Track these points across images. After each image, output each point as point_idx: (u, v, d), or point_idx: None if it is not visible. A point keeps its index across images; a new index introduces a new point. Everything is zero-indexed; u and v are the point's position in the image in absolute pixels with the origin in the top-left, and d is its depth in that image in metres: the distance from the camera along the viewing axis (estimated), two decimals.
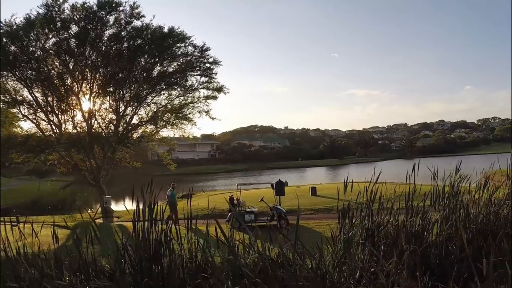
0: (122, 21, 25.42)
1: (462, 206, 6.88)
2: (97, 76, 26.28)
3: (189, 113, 29.31)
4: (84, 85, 26.26)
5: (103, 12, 24.73)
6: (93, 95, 26.49)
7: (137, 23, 25.93)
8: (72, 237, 18.55)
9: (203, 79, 28.74)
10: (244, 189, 31.23)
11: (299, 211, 22.66)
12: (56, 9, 23.75)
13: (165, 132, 30.71)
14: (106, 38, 25.70)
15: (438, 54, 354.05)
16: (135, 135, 29.90)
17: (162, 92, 28.81)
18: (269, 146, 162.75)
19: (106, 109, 28.04)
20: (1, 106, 24.79)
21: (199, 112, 29.34)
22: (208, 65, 28.40)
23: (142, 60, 27.47)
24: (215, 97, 29.52)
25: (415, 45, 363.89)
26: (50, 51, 24.98)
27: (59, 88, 25.12)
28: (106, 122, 28.12)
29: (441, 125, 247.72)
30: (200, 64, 28.19)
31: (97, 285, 4.75)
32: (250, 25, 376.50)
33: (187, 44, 27.47)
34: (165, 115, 29.23)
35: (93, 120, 27.32)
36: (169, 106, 29.27)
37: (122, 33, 25.74)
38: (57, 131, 26.17)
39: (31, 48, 24.48)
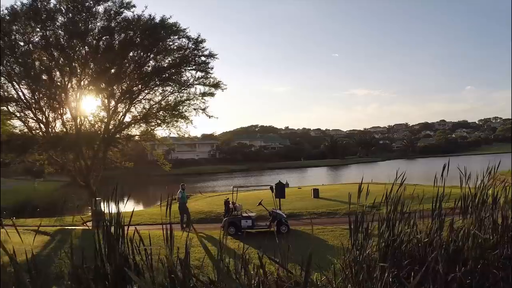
0: (112, 12, 23.98)
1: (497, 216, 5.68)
2: (86, 71, 24.90)
3: (185, 111, 27.91)
4: (73, 80, 24.89)
5: (92, 2, 23.38)
6: (82, 91, 25.12)
7: (128, 13, 24.52)
8: (49, 245, 17.62)
9: (199, 74, 27.34)
10: (241, 191, 30.13)
11: (301, 216, 21.49)
12: None
13: (160, 131, 29.21)
14: (95, 30, 24.27)
15: (439, 54, 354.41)
16: (126, 134, 28.49)
17: (156, 88, 27.34)
18: (270, 146, 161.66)
19: (96, 106, 26.62)
20: None
21: (195, 109, 27.94)
22: (203, 58, 26.92)
23: (135, 54, 25.99)
24: (212, 94, 28.02)
25: (415, 45, 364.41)
26: (37, 45, 23.63)
27: (47, 84, 23.78)
28: (96, 120, 26.74)
29: (442, 125, 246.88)
30: (195, 57, 26.73)
31: None
32: (250, 24, 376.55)
33: (180, 36, 25.90)
34: (159, 113, 27.83)
35: (82, 118, 25.91)
36: (164, 103, 27.84)
37: (112, 24, 24.33)
38: (45, 129, 24.78)
39: (17, 42, 23.14)
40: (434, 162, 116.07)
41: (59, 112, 24.91)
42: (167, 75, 26.30)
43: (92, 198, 24.63)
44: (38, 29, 23.29)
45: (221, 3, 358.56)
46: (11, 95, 23.84)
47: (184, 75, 26.89)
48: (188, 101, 27.57)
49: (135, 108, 27.50)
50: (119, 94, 25.82)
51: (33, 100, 24.15)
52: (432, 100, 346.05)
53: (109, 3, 23.81)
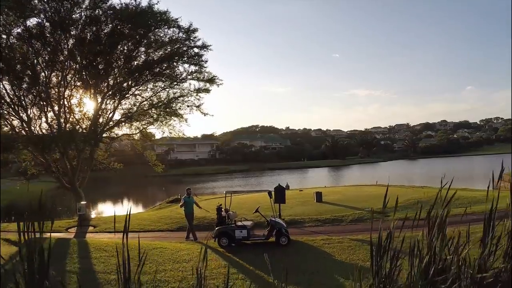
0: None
1: None
2: (72, 65, 23.53)
3: (179, 108, 26.51)
4: (57, 75, 23.54)
5: None
6: (67, 86, 23.77)
7: (115, 0, 23.06)
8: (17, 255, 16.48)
9: (192, 67, 25.94)
10: (238, 195, 29.02)
11: (303, 223, 19.70)
12: None
13: (153, 130, 27.84)
14: (81, 20, 22.79)
15: (439, 54, 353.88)
16: (115, 133, 27.16)
17: (147, 83, 25.89)
18: (270, 146, 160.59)
19: (82, 103, 25.11)
20: None
21: (188, 106, 26.52)
22: (196, 50, 25.44)
23: (124, 47, 24.45)
24: (207, 90, 26.63)
25: (416, 45, 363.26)
26: (19, 37, 22.22)
27: (30, 78, 22.46)
28: (83, 117, 25.35)
29: (443, 125, 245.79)
30: (187, 49, 25.22)
31: None
32: (251, 25, 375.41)
33: (171, 26, 24.28)
34: (151, 110, 26.42)
35: (67, 116, 24.47)
36: (156, 100, 26.43)
37: (97, 13, 22.80)
38: (27, 128, 23.38)
39: None
40: (437, 163, 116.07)
41: (43, 110, 23.59)
42: (158, 69, 24.89)
43: (77, 202, 23.39)
44: (20, 20, 21.76)
45: (221, 3, 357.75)
46: None
47: (176, 69, 25.42)
48: (181, 98, 26.25)
49: (125, 105, 26.12)
50: (107, 89, 24.39)
51: (15, 98, 22.79)
52: (433, 100, 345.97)
53: None
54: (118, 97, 25.06)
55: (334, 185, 47.03)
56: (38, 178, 50.07)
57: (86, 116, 25.10)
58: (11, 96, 22.60)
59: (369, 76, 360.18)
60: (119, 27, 23.28)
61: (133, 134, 27.27)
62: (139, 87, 25.83)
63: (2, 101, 22.35)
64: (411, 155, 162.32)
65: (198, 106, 26.60)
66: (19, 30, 22.02)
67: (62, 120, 23.83)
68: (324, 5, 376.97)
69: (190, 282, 9.94)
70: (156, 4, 23.54)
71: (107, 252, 13.02)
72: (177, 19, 24.27)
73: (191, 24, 24.70)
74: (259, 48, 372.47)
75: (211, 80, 26.31)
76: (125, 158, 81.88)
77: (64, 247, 13.42)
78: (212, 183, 79.93)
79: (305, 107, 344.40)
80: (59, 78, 23.71)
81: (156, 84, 26.12)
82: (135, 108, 26.07)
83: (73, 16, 22.41)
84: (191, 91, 26.20)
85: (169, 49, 24.80)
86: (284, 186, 39.04)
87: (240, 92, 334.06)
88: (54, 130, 23.68)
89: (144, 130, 27.28)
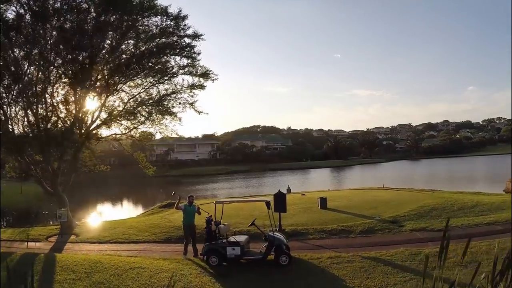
0: None
1: None
2: (54, 58, 21.54)
3: (172, 106, 24.49)
4: (39, 70, 21.54)
5: None
6: (49, 82, 21.74)
7: None
8: None
9: (184, 61, 23.80)
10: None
11: (306, 234, 17.28)
12: None
13: (144, 129, 25.78)
14: (62, 9, 20.74)
15: (440, 54, 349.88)
16: (100, 134, 25.14)
17: (135, 78, 23.80)
18: (272, 146, 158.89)
19: (66, 100, 22.93)
20: None
21: (180, 104, 24.34)
22: (187, 40, 23.18)
23: (111, 40, 22.36)
24: (202, 86, 24.42)
25: (416, 45, 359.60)
26: None
27: (10, 74, 20.51)
28: (65, 116, 23.29)
29: (446, 125, 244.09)
30: (177, 38, 22.97)
31: None
32: (252, 25, 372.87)
33: (158, 13, 21.88)
34: (142, 108, 24.36)
35: (49, 114, 22.39)
36: (146, 97, 24.35)
37: (79, 0, 20.79)
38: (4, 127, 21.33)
39: None
40: (440, 164, 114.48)
41: (24, 108, 21.62)
42: (147, 62, 22.81)
43: (57, 208, 21.38)
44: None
45: (222, 3, 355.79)
46: None
47: (167, 63, 23.43)
48: (174, 95, 24.27)
49: (112, 102, 24.09)
50: (92, 85, 22.29)
51: None
52: (434, 100, 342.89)
53: None
54: (104, 94, 22.87)
55: (338, 188, 44.75)
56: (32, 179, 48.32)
57: (69, 115, 22.87)
58: None
59: (370, 76, 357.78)
60: (103, 16, 21.14)
61: (122, 134, 25.22)
62: (127, 82, 23.66)
63: None
64: (413, 155, 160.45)
65: (191, 104, 24.56)
66: None
67: (42, 119, 21.80)
68: (325, 5, 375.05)
69: None
70: None
71: (75, 273, 11.06)
72: (166, 7, 22.08)
73: (180, 11, 22.60)
74: (261, 48, 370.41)
75: (205, 75, 24.13)
76: (124, 158, 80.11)
77: (26, 265, 11.36)
78: (212, 184, 78.12)
79: (307, 107, 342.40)
80: (41, 73, 21.64)
81: (145, 80, 23.92)
82: (122, 106, 23.98)
83: (55, 5, 20.36)
84: (185, 87, 24.19)
85: (157, 41, 22.61)
86: (286, 190, 37.28)
87: (242, 92, 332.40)
88: (36, 131, 21.69)
89: (135, 129, 25.15)
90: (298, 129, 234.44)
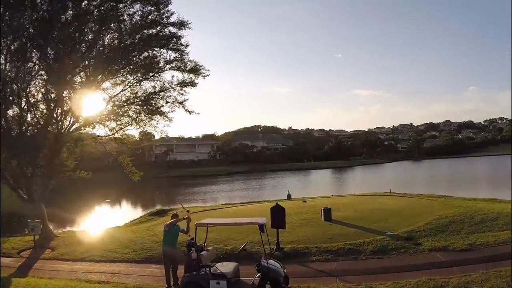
0: None
1: None
2: (29, 53, 19.39)
3: (161, 105, 22.33)
4: (14, 66, 19.36)
5: None
6: (24, 78, 19.53)
7: None
8: None
9: (171, 54, 21.60)
10: (233, 206, 25.12)
11: (309, 255, 14.80)
12: None
13: (132, 131, 23.63)
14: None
15: (441, 54, 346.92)
16: (81, 134, 22.91)
17: (119, 75, 21.50)
18: (272, 146, 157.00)
19: (39, 100, 20.70)
20: None
21: (167, 102, 22.22)
22: (172, 29, 20.86)
23: (92, 32, 20.11)
24: (193, 84, 22.27)
25: (417, 45, 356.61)
26: None
27: None
28: (40, 116, 21.09)
29: (447, 125, 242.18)
30: (160, 28, 20.57)
31: None
32: (254, 25, 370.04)
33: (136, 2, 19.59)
34: (127, 107, 22.20)
35: (24, 114, 20.15)
36: (131, 96, 22.20)
37: None
38: None
39: None
40: (444, 164, 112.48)
41: None
42: (130, 56, 20.60)
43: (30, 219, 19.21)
44: None
45: (223, 3, 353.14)
46: None
47: (154, 58, 21.28)
48: (162, 93, 22.14)
49: (95, 101, 21.93)
50: (71, 82, 20.02)
51: None
52: (435, 100, 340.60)
53: None
54: (85, 92, 20.63)
55: (341, 192, 42.09)
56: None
57: (48, 115, 20.58)
58: None
59: (371, 76, 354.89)
60: (81, 2, 18.93)
61: (106, 136, 23.09)
62: (110, 79, 21.44)
63: None
64: (415, 155, 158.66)
65: (181, 103, 22.42)
66: None
67: (15, 119, 19.69)
68: (326, 6, 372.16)
69: None
70: None
71: None
72: None
73: None
74: (262, 48, 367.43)
75: (195, 70, 21.93)
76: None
77: None
78: (211, 186, 75.95)
79: (308, 107, 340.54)
80: (17, 69, 19.47)
81: (130, 76, 21.73)
82: (105, 106, 21.87)
83: None
84: (174, 84, 22.05)
85: (140, 32, 20.34)
86: (286, 196, 35.30)
87: (242, 91, 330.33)
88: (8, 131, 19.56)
89: (121, 130, 22.96)
90: (299, 129, 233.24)
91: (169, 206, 33.09)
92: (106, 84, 21.66)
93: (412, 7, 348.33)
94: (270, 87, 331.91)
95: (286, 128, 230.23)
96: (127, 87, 21.89)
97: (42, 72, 20.05)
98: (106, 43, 20.58)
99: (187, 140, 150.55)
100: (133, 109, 22.26)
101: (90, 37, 20.02)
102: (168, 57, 21.42)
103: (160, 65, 21.41)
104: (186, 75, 21.93)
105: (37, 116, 20.72)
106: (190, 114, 22.45)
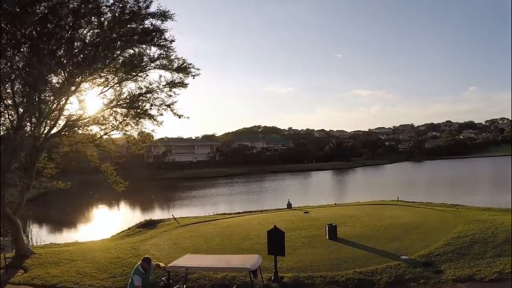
0: None
1: None
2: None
3: (149, 108, 20.07)
4: None
5: None
6: None
7: None
8: None
9: (155, 51, 19.30)
10: (231, 216, 22.88)
11: (312, 287, 12.55)
12: None
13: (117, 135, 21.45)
14: None
15: (441, 54, 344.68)
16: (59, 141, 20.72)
17: (96, 77, 19.21)
18: (272, 147, 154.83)
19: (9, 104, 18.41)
20: None
21: (152, 105, 20.10)
22: (153, 20, 18.41)
23: (68, 25, 17.61)
24: (183, 84, 19.98)
25: (417, 45, 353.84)
26: None
27: None
28: (10, 120, 18.75)
29: (448, 125, 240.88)
30: (139, 20, 18.11)
31: None
32: (254, 25, 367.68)
33: None
34: (110, 110, 20.01)
35: None
36: (113, 98, 20.03)
37: None
38: None
39: None
40: (446, 166, 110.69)
41: None
42: (108, 53, 18.37)
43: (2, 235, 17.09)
44: None
45: (223, 4, 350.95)
46: None
47: (134, 57, 19.04)
48: (149, 94, 20.02)
49: (71, 104, 19.80)
50: (45, 83, 17.76)
51: None
52: (436, 101, 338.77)
53: None
54: (62, 94, 18.37)
55: (345, 200, 39.08)
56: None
57: (21, 121, 18.31)
58: None
59: (371, 76, 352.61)
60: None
61: (86, 142, 20.94)
62: (89, 80, 19.24)
63: None
64: (416, 156, 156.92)
65: (169, 106, 20.29)
66: None
67: None
68: (326, 6, 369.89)
69: None
70: None
71: None
72: None
73: None
74: (262, 48, 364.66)
75: (183, 69, 19.70)
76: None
77: None
78: (210, 190, 73.88)
79: (308, 107, 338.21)
80: None
81: (110, 76, 19.54)
82: (83, 109, 19.74)
83: None
84: (163, 85, 19.87)
85: (118, 26, 18.09)
86: (286, 205, 33.07)
87: (243, 92, 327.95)
88: None
89: (106, 135, 20.82)
90: (300, 129, 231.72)
91: (160, 215, 31.05)
92: (86, 85, 19.48)
93: (413, 7, 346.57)
94: (270, 87, 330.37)
95: (286, 129, 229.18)
96: (106, 89, 19.74)
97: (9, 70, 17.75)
98: (86, 40, 18.37)
99: (186, 141, 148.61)
100: (119, 112, 20.15)
101: (68, 33, 17.84)
102: (152, 55, 19.21)
103: (142, 63, 19.17)
104: (175, 74, 19.79)
105: (3, 122, 18.46)
106: (179, 118, 20.25)
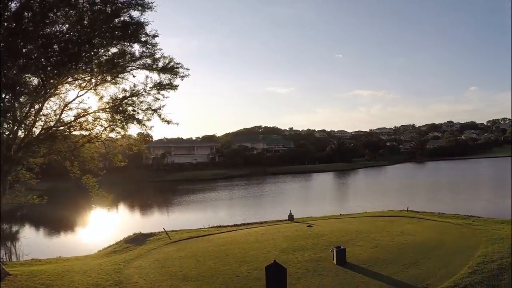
0: None
1: None
2: None
3: (136, 112, 18.19)
4: None
5: None
6: None
7: None
8: None
9: (138, 48, 17.29)
10: (230, 229, 20.96)
11: None
12: None
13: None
14: None
15: (442, 54, 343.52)
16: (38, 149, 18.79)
17: (71, 80, 17.18)
18: (273, 148, 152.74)
19: None
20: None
21: (135, 111, 18.19)
22: (133, 13, 16.31)
23: (49, 26, 15.90)
24: (172, 86, 18.14)
25: (418, 45, 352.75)
26: None
27: None
28: None
29: (449, 126, 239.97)
30: (113, 8, 16.01)
31: None
32: (254, 26, 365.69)
33: None
34: (92, 115, 18.07)
35: None
36: (97, 101, 18.12)
37: None
38: None
39: None
40: (449, 167, 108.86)
41: None
42: (83, 52, 16.37)
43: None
44: None
45: (224, 4, 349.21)
46: None
47: (120, 53, 17.08)
48: (134, 98, 18.11)
49: (49, 109, 17.88)
50: (18, 87, 15.78)
51: None
52: (436, 101, 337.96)
53: None
54: (37, 98, 16.35)
55: (350, 209, 36.19)
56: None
57: None
58: None
59: (372, 77, 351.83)
60: None
61: (67, 151, 19.01)
62: (64, 81, 17.21)
63: None
64: (418, 157, 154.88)
65: (155, 110, 18.36)
66: None
67: None
68: (327, 6, 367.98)
69: None
70: None
71: None
72: None
73: None
74: (262, 49, 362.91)
75: (170, 69, 17.76)
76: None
77: None
78: (210, 194, 71.85)
79: (309, 108, 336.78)
80: None
81: (85, 77, 17.49)
82: (59, 114, 17.76)
83: None
84: (149, 87, 17.91)
85: (99, 23, 16.12)
86: (288, 216, 30.93)
87: (243, 92, 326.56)
88: None
89: (88, 143, 18.91)
90: (300, 130, 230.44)
91: (152, 226, 29.00)
92: (63, 88, 17.52)
93: (413, 7, 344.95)
94: (270, 88, 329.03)
95: (287, 129, 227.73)
96: (83, 92, 17.76)
97: None
98: (63, 37, 16.38)
99: (186, 142, 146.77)
100: (103, 118, 18.23)
101: (43, 30, 15.90)
102: (134, 52, 17.18)
103: (123, 62, 17.11)
104: (162, 76, 17.80)
105: None
106: (168, 124, 18.28)
